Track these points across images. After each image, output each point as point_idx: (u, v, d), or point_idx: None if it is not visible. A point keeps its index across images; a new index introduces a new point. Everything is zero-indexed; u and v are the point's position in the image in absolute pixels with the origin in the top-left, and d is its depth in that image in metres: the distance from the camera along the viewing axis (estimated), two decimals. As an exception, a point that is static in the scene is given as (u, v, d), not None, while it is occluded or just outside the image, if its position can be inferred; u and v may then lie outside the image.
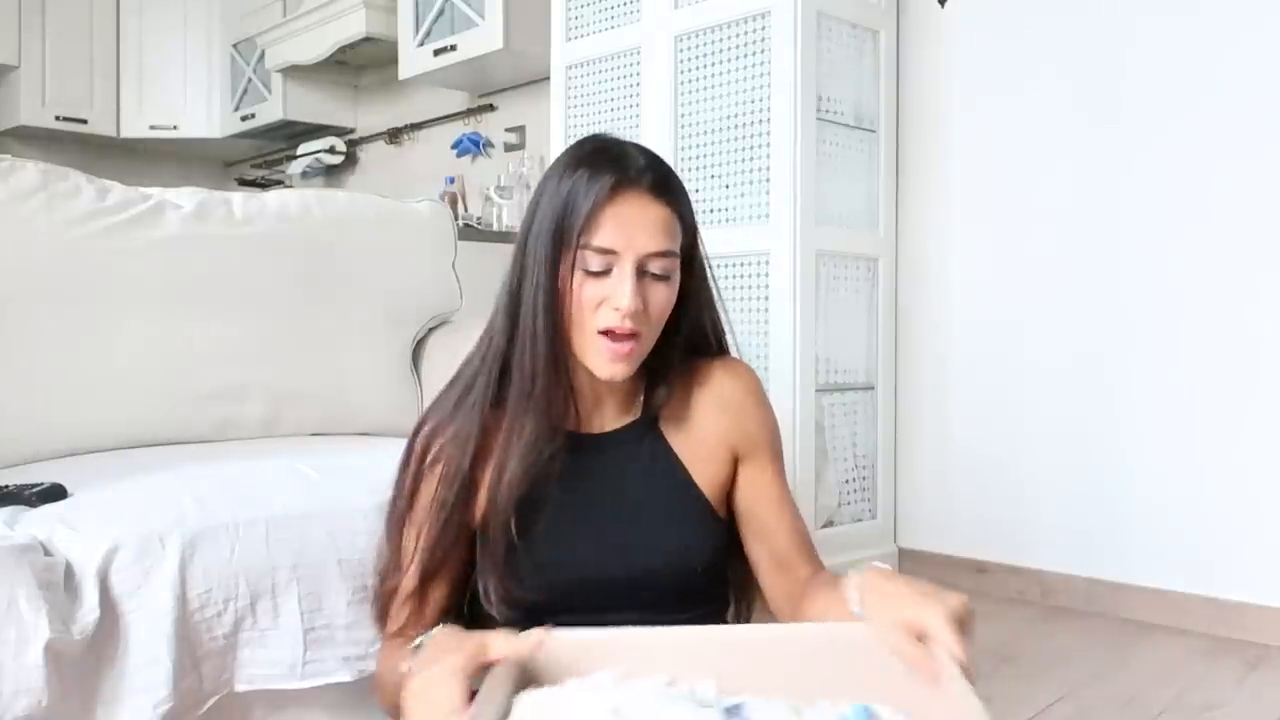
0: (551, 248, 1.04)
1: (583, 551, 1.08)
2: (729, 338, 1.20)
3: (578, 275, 1.03)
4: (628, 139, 1.10)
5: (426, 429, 1.11)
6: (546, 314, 1.04)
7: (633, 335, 1.03)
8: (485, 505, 1.07)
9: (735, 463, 1.15)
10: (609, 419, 1.14)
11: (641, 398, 1.15)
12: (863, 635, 0.90)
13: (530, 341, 1.05)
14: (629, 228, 1.02)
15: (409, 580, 1.08)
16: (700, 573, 1.11)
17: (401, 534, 1.10)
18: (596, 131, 1.12)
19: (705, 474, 1.14)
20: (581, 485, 1.10)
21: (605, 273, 1.03)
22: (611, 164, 1.04)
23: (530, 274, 1.06)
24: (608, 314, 1.03)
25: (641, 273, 1.03)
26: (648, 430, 1.14)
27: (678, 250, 1.06)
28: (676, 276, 1.07)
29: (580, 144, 1.09)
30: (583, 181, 1.03)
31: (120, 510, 1.18)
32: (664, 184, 1.06)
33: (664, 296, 1.06)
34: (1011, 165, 2.58)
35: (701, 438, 1.14)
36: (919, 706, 0.84)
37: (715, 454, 1.14)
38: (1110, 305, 2.40)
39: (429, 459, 1.09)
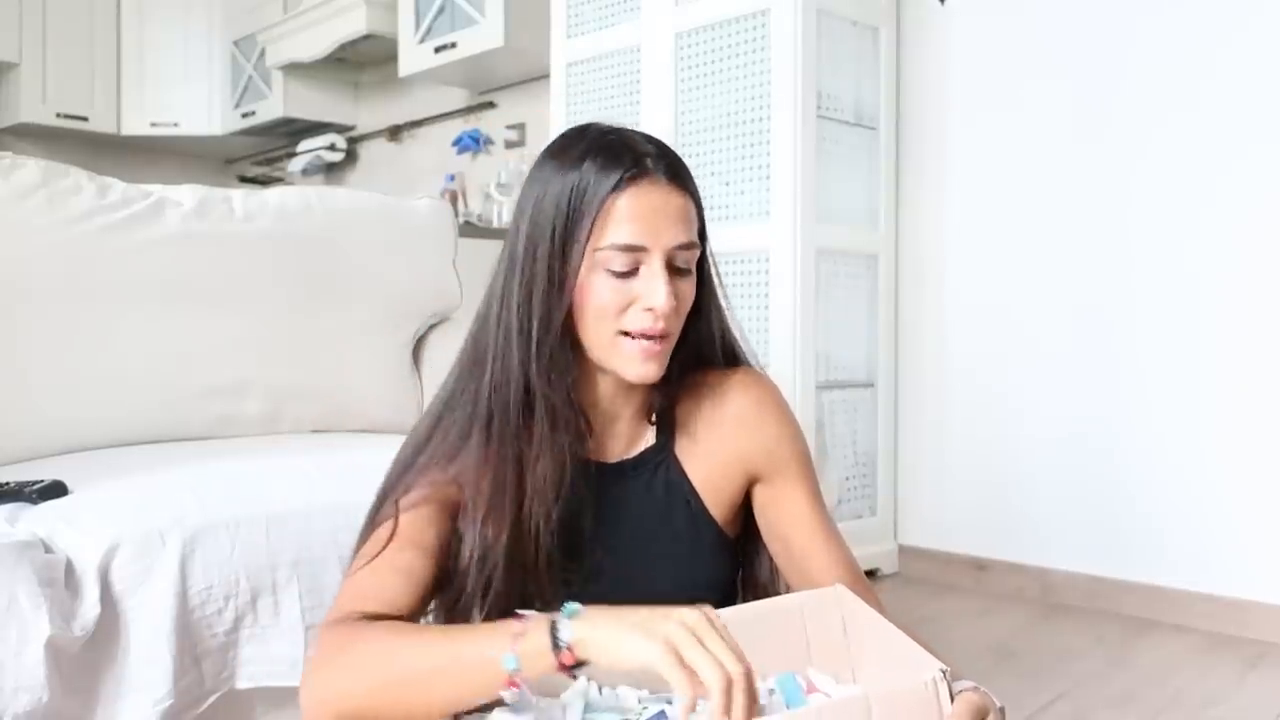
0: (561, 249, 0.94)
1: (594, 587, 0.99)
2: (743, 345, 1.11)
3: (599, 278, 0.94)
4: (625, 125, 1.01)
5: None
6: (563, 325, 0.95)
7: (664, 335, 0.96)
8: (512, 540, 0.95)
9: (749, 481, 1.07)
10: (621, 444, 1.06)
11: (654, 417, 1.07)
12: (786, 605, 0.92)
13: (545, 359, 0.95)
14: (654, 220, 0.93)
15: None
16: (712, 604, 1.01)
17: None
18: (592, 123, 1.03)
19: (718, 497, 1.07)
20: (597, 517, 1.02)
21: (630, 273, 0.94)
22: (621, 152, 0.94)
23: (538, 282, 0.95)
24: (638, 316, 0.94)
25: (669, 268, 0.95)
26: (662, 458, 1.06)
27: (699, 241, 0.99)
28: (695, 270, 1.00)
29: (577, 132, 0.99)
30: (591, 173, 0.93)
31: (121, 507, 1.19)
32: (679, 170, 0.97)
33: (691, 291, 0.98)
34: (1012, 161, 2.57)
35: (715, 457, 1.06)
36: (846, 668, 0.88)
37: (728, 473, 1.06)
38: (1110, 301, 2.40)
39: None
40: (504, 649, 0.76)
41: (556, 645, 0.75)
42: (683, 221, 0.95)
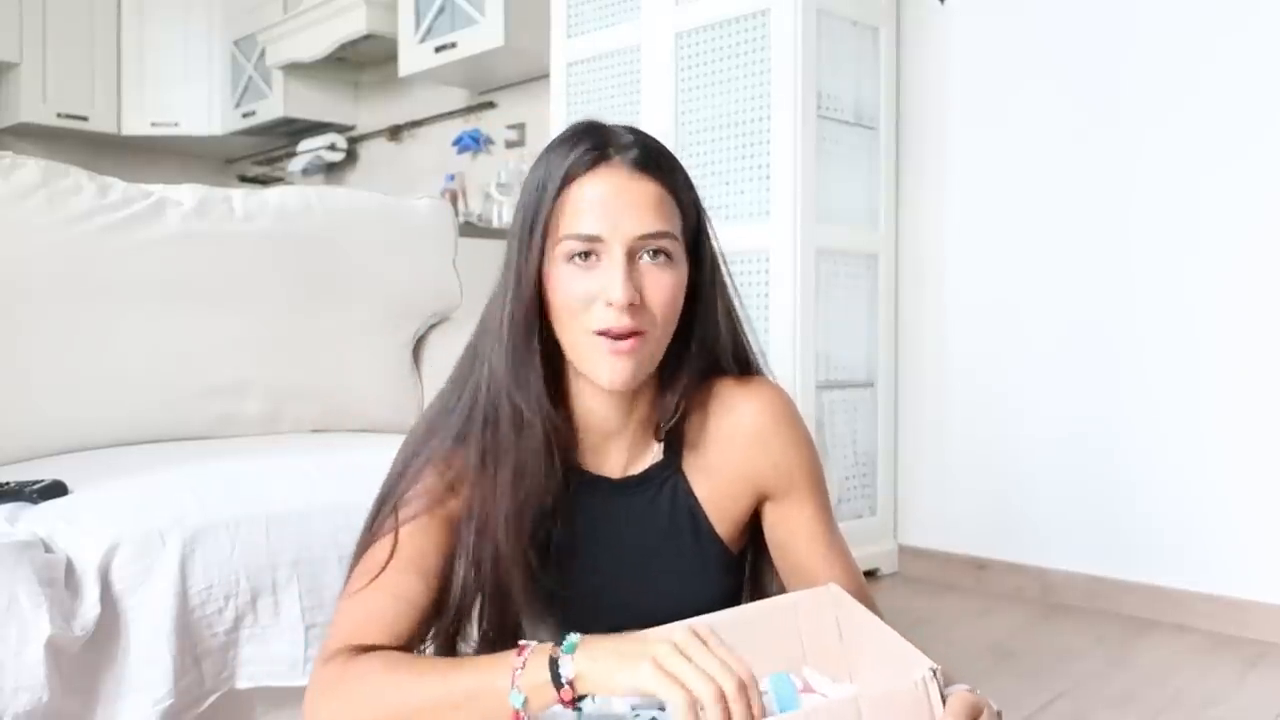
0: (528, 242, 0.91)
1: (592, 605, 0.98)
2: (757, 354, 1.06)
3: (563, 271, 0.90)
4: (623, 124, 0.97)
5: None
6: (527, 320, 0.92)
7: (635, 333, 0.89)
8: (492, 551, 0.94)
9: (759, 499, 1.04)
10: (626, 459, 1.02)
11: (660, 428, 1.02)
12: (781, 605, 0.92)
13: (516, 360, 0.92)
14: (612, 208, 0.89)
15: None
16: None
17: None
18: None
19: (725, 515, 1.03)
20: (596, 534, 1.00)
21: (592, 266, 0.89)
22: (585, 139, 0.92)
23: (511, 279, 0.93)
24: (601, 311, 0.89)
25: (635, 260, 0.90)
26: (667, 475, 1.02)
27: (677, 233, 0.93)
28: (682, 263, 0.94)
29: (567, 129, 0.96)
30: (554, 163, 0.91)
31: (121, 507, 1.19)
32: (652, 159, 0.92)
33: (667, 285, 0.91)
34: (1012, 161, 2.57)
35: (723, 474, 1.02)
36: (842, 667, 0.89)
37: (736, 490, 1.02)
38: (1111, 301, 2.40)
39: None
40: (508, 684, 0.77)
41: (558, 682, 0.76)
42: (650, 210, 0.90)
